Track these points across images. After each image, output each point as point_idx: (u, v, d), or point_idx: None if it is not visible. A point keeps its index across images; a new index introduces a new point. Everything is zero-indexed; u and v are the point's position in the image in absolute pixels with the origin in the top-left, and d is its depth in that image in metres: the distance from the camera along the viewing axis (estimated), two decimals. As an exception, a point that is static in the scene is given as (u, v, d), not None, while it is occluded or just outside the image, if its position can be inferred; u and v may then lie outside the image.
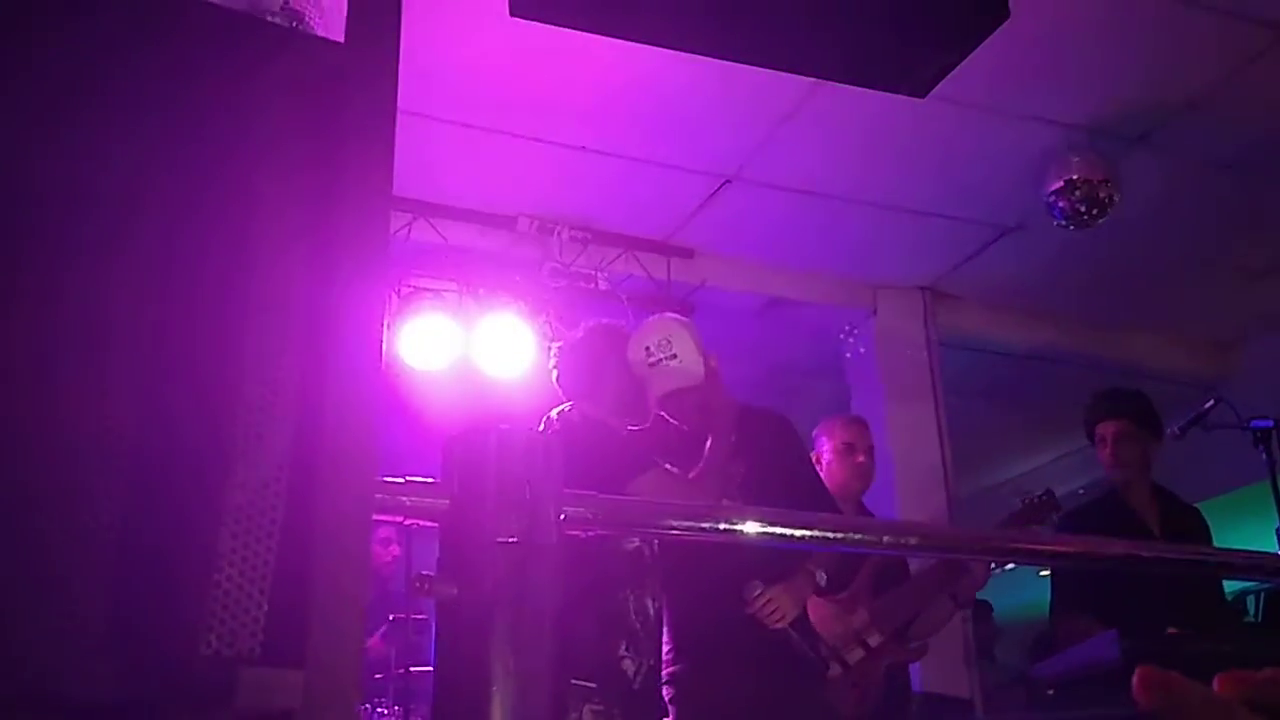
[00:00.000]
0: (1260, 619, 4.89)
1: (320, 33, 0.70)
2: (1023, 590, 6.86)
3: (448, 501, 1.22)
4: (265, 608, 0.54)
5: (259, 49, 0.59)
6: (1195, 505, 3.81)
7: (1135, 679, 0.45)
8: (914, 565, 3.71)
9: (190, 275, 0.59)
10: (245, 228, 0.58)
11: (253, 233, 0.58)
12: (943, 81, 2.80)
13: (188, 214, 0.57)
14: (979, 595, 6.80)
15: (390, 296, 4.66)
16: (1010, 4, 2.44)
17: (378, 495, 1.26)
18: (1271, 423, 3.31)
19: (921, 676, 4.56)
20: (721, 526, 1.48)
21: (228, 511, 0.56)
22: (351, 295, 0.56)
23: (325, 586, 0.51)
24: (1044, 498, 3.52)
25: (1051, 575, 3.67)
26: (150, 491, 0.57)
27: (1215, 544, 3.65)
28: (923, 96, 2.67)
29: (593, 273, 5.01)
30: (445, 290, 4.75)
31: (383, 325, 0.59)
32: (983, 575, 3.58)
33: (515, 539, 1.20)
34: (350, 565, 0.52)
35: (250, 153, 0.59)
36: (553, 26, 2.55)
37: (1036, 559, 2.50)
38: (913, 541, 1.99)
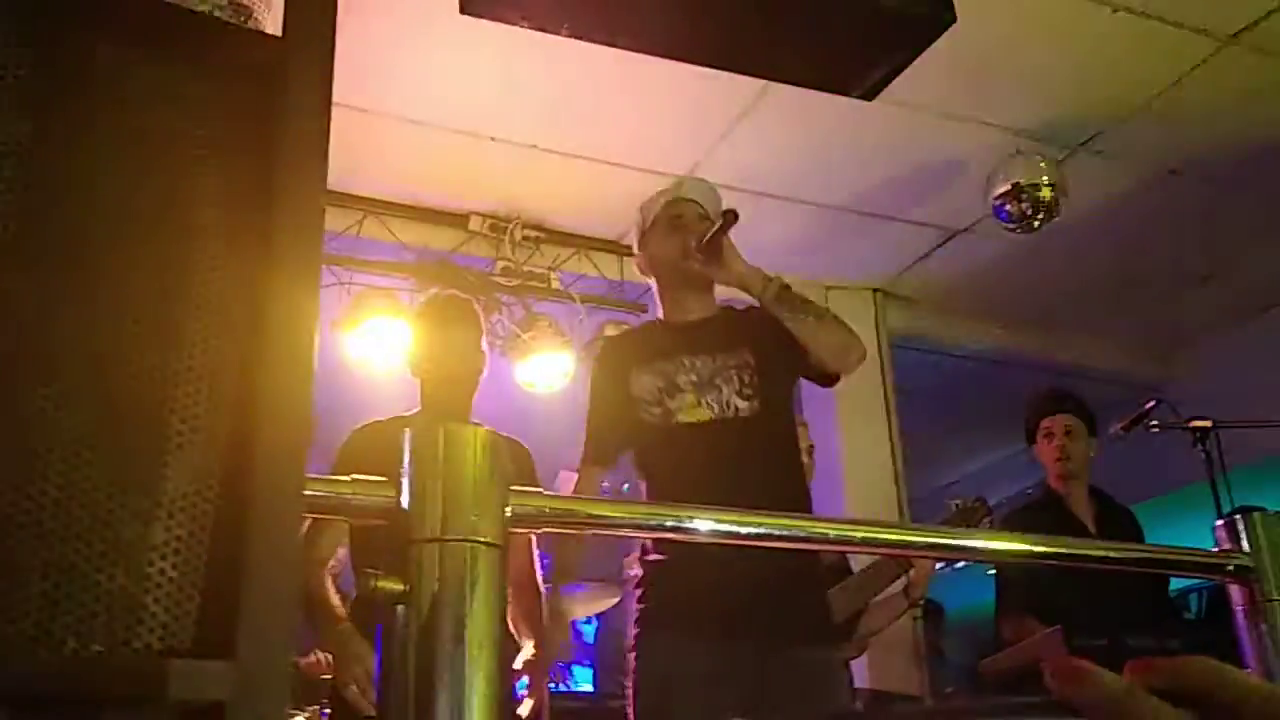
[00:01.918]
0: (1202, 616, 4.98)
1: (269, 26, 0.70)
2: (976, 590, 6.94)
3: (394, 499, 1.21)
4: (198, 600, 0.53)
5: (192, 41, 0.59)
6: (1129, 507, 3.89)
7: (1047, 670, 0.46)
8: (856, 565, 3.74)
9: (124, 269, 0.59)
10: (180, 222, 0.57)
11: (187, 227, 0.58)
12: (892, 85, 2.84)
13: (120, 209, 0.57)
14: (932, 596, 6.89)
15: (341, 295, 4.63)
16: (957, 9, 2.48)
17: (324, 493, 1.26)
18: (1210, 423, 3.37)
19: (871, 675, 4.60)
20: (669, 524, 1.48)
21: (163, 505, 0.56)
22: (285, 291, 0.56)
23: (256, 579, 0.51)
24: (976, 503, 3.58)
25: (995, 576, 3.72)
26: (85, 484, 0.56)
27: (1155, 542, 3.71)
28: (871, 99, 2.71)
29: (545, 271, 5.01)
30: (396, 289, 4.73)
31: (316, 322, 0.59)
32: (927, 573, 3.62)
33: (462, 537, 1.20)
34: (280, 558, 0.52)
35: (182, 148, 0.58)
36: (504, 24, 2.55)
37: (982, 556, 2.53)
38: (858, 538, 2.01)
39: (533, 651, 2.91)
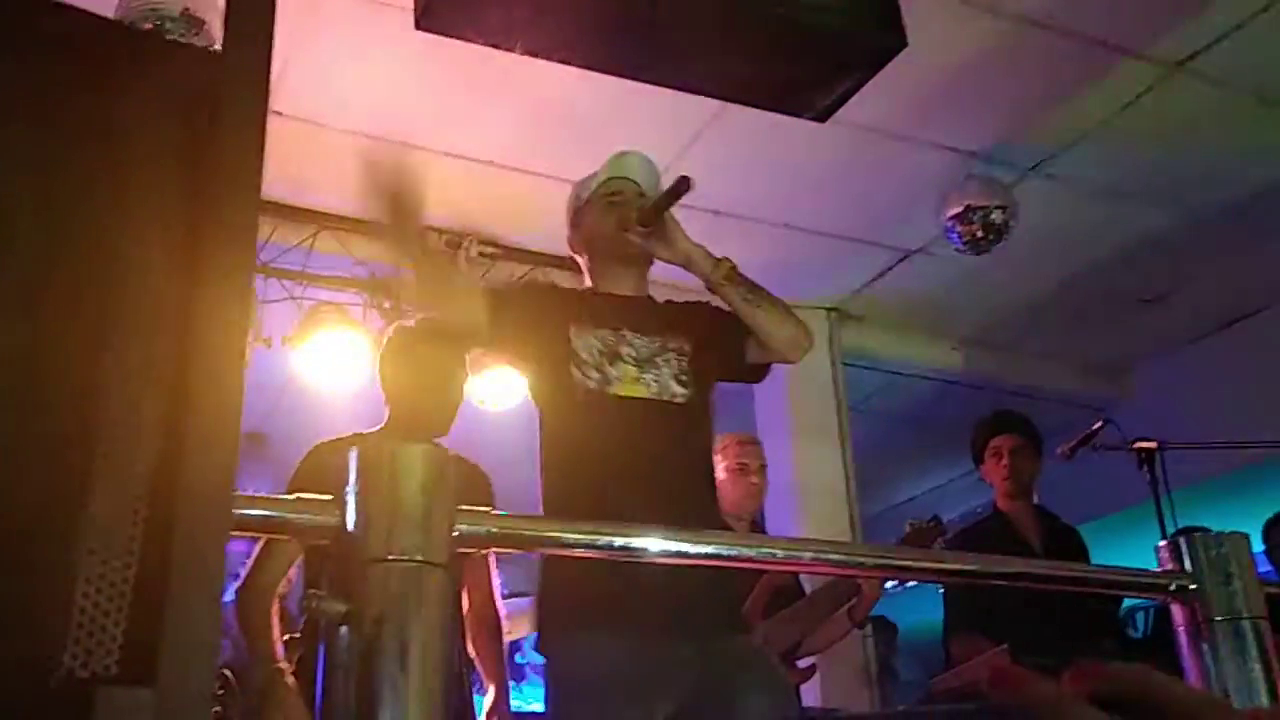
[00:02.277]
0: (1149, 634, 5.05)
1: (219, 38, 0.69)
2: (928, 607, 6.98)
3: (339, 519, 1.20)
4: (122, 625, 0.52)
5: (126, 57, 0.58)
6: (1074, 526, 3.94)
7: (986, 676, 0.47)
8: (810, 585, 3.75)
9: (57, 289, 0.58)
10: (107, 239, 0.57)
11: (114, 245, 0.57)
12: (845, 107, 2.86)
13: (44, 226, 0.56)
14: (885, 613, 6.93)
15: (293, 310, 4.59)
16: (909, 34, 2.51)
17: (267, 513, 1.24)
18: (1156, 444, 3.42)
19: (823, 693, 4.61)
20: (618, 544, 1.48)
21: (91, 529, 0.55)
22: (215, 310, 0.55)
23: (178, 604, 0.51)
24: (931, 523, 3.61)
25: (944, 596, 3.75)
26: (9, 507, 0.55)
27: (1101, 562, 3.76)
28: (823, 121, 2.72)
29: (501, 288, 4.99)
30: (349, 304, 4.70)
31: (246, 341, 0.58)
32: (875, 593, 3.62)
33: (407, 557, 1.19)
34: (203, 582, 0.51)
35: (118, 164, 0.58)
36: (460, 40, 2.55)
37: (932, 576, 2.55)
38: (808, 558, 2.02)
39: (492, 700, 2.84)
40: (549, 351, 2.44)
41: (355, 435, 2.81)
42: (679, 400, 2.43)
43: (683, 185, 2.37)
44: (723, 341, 2.54)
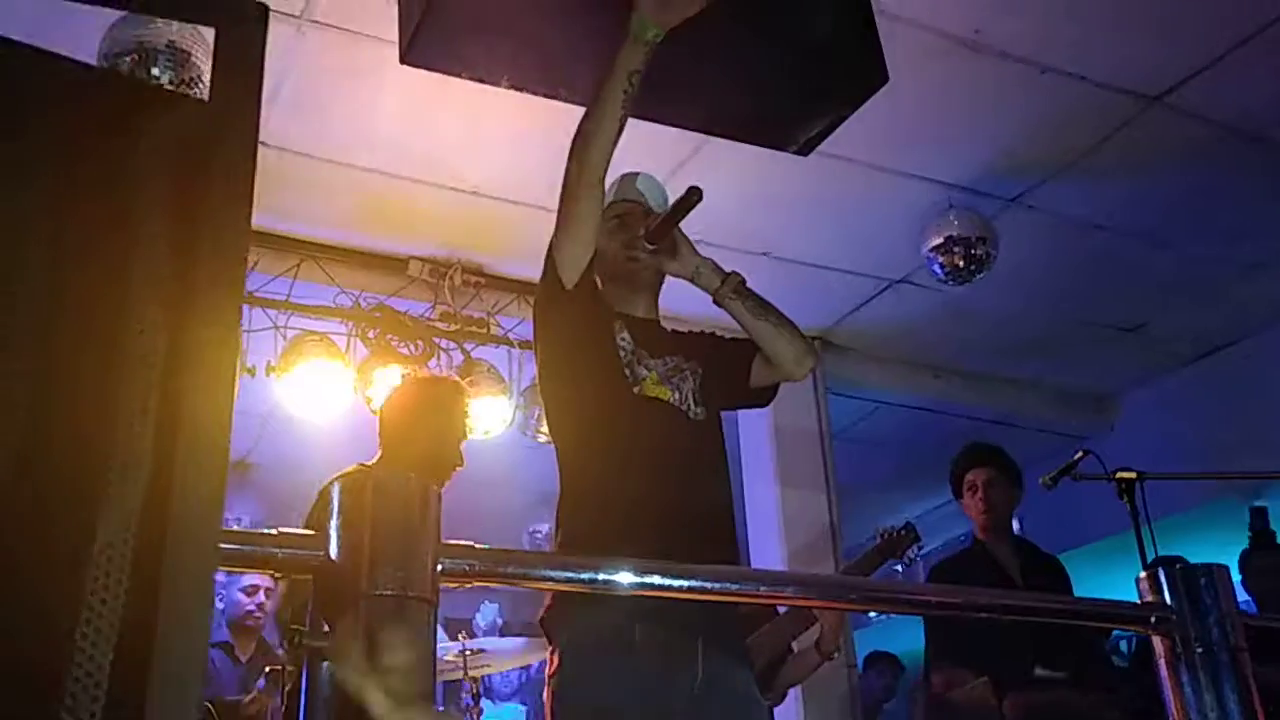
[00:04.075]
0: (1132, 662, 5.05)
1: (207, 71, 0.70)
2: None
3: (322, 553, 1.20)
4: (107, 667, 0.53)
5: (114, 105, 0.59)
6: (1055, 555, 3.95)
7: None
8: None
9: (56, 324, 0.59)
10: (104, 279, 0.57)
11: (111, 284, 0.58)
12: (828, 140, 2.89)
13: (42, 264, 0.57)
14: (885, 649, 6.88)
15: (277, 339, 4.58)
16: (892, 67, 2.53)
17: (249, 547, 1.24)
18: (1135, 474, 3.44)
19: (806, 724, 4.60)
20: (601, 578, 1.48)
21: (95, 568, 0.55)
22: (204, 346, 0.56)
23: (164, 640, 0.51)
24: (903, 531, 3.61)
25: (925, 627, 3.75)
26: (24, 544, 0.55)
27: (1081, 592, 3.78)
28: (806, 155, 2.74)
29: (485, 317, 5.00)
30: (333, 333, 4.69)
31: (234, 380, 0.59)
32: (836, 623, 3.60)
33: (390, 591, 1.19)
34: (189, 618, 0.51)
35: (109, 206, 0.58)
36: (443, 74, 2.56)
37: (910, 609, 2.56)
38: (790, 590, 2.02)
39: None
40: (600, 329, 2.40)
41: (358, 467, 2.82)
42: (697, 418, 2.40)
43: (693, 196, 2.29)
44: (727, 368, 2.52)
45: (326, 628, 1.17)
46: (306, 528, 1.36)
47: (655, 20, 2.12)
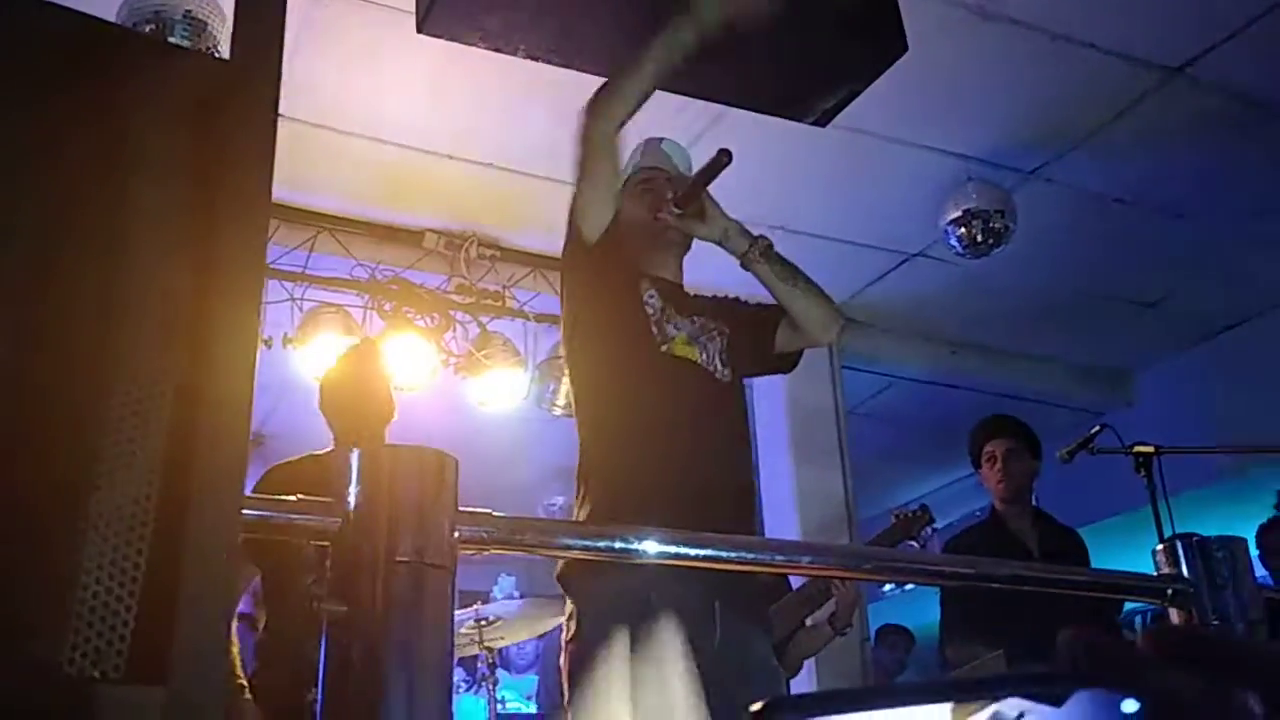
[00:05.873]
0: (1146, 638, 5.04)
1: (223, 39, 0.70)
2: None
3: (339, 520, 1.21)
4: (131, 624, 0.53)
5: (139, 62, 0.59)
6: (1073, 527, 3.94)
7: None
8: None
9: (67, 283, 0.59)
10: (116, 239, 0.57)
11: (124, 245, 0.58)
12: (845, 111, 2.87)
13: (65, 223, 0.57)
14: (899, 621, 6.89)
15: (293, 311, 4.60)
16: (909, 39, 2.51)
17: (269, 513, 1.25)
18: (1154, 448, 3.43)
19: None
20: (618, 545, 1.49)
21: (97, 523, 0.56)
22: (225, 311, 0.56)
23: (188, 602, 0.51)
24: (918, 512, 3.61)
25: (940, 601, 3.75)
26: (14, 500, 0.56)
27: (1099, 565, 3.77)
28: (824, 126, 2.73)
29: (500, 290, 5.00)
30: (350, 306, 4.70)
31: (256, 343, 0.59)
32: (851, 598, 3.63)
33: (408, 558, 1.20)
34: (215, 580, 0.51)
35: (129, 164, 0.58)
36: (461, 44, 2.55)
37: (925, 579, 2.56)
38: (806, 560, 2.02)
39: None
40: (626, 286, 2.41)
41: (309, 456, 2.86)
42: (723, 379, 2.41)
43: (722, 159, 2.26)
44: (752, 333, 2.53)
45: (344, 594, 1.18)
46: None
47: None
